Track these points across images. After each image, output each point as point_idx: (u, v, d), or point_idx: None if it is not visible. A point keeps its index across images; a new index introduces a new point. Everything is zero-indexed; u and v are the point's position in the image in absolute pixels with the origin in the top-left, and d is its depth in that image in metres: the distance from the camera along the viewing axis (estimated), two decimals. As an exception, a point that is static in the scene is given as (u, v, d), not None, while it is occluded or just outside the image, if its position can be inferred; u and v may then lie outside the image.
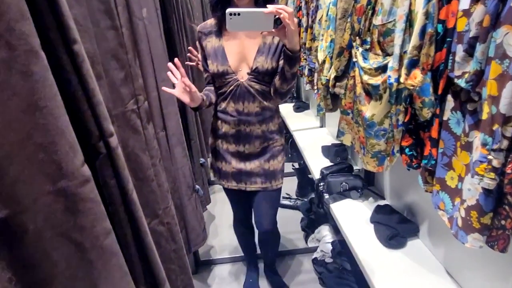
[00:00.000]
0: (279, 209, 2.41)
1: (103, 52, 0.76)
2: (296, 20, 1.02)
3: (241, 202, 1.52)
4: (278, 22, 1.00)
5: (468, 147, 0.83)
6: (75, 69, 0.51)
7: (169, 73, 1.14)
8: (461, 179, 0.86)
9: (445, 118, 0.89)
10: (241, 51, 1.24)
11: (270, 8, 0.96)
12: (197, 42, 1.32)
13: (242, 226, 1.66)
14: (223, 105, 1.29)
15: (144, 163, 0.92)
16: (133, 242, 0.66)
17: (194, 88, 1.15)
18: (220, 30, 1.25)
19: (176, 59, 1.16)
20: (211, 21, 1.28)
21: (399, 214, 1.36)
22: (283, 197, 2.46)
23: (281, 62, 1.20)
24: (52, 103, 0.42)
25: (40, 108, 0.41)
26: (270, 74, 1.22)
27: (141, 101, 0.94)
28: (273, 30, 1.01)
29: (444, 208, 0.93)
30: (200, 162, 1.86)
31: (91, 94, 0.53)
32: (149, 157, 0.95)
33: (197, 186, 1.53)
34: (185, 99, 1.16)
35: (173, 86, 1.21)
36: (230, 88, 1.25)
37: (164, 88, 1.14)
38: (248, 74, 1.23)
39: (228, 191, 1.48)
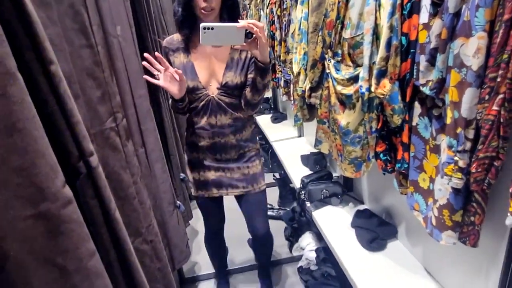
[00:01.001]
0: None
1: (79, 71, 0.75)
2: (265, 33, 1.06)
3: (218, 213, 1.54)
4: (249, 36, 1.05)
5: (436, 150, 0.88)
6: (52, 90, 0.51)
7: (144, 63, 1.14)
8: (432, 180, 0.91)
9: (414, 123, 0.94)
10: (210, 66, 1.27)
11: (242, 22, 1.01)
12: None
13: (216, 239, 1.65)
14: (196, 120, 1.32)
15: (125, 181, 0.91)
16: (117, 263, 0.65)
17: (183, 76, 1.16)
18: (187, 46, 1.27)
19: (146, 54, 1.17)
20: (177, 36, 1.29)
21: (378, 218, 1.40)
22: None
23: (249, 76, 1.24)
24: (30, 125, 0.42)
25: (18, 129, 0.41)
26: (239, 88, 1.27)
27: (119, 119, 0.93)
28: (244, 43, 1.05)
29: (419, 208, 0.98)
30: (181, 177, 1.85)
31: (69, 114, 0.53)
32: (130, 175, 0.94)
33: (178, 202, 1.51)
34: (173, 89, 1.18)
35: (150, 102, 1.21)
36: (202, 103, 1.28)
37: (146, 76, 1.15)
38: (218, 89, 1.27)
39: (204, 203, 1.48)
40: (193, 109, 1.31)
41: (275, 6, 2.58)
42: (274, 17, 2.57)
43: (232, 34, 1.03)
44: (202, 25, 1.02)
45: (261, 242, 1.61)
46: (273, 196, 2.61)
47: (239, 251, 2.07)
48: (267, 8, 2.70)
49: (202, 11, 1.15)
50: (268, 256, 1.76)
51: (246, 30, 1.03)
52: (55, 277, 0.46)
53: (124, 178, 0.90)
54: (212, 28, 1.02)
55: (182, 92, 1.21)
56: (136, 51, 1.26)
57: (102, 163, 0.83)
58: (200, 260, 2.04)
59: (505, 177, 0.72)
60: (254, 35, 1.04)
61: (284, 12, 2.38)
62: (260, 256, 1.79)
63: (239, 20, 1.03)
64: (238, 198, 1.47)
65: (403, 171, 1.02)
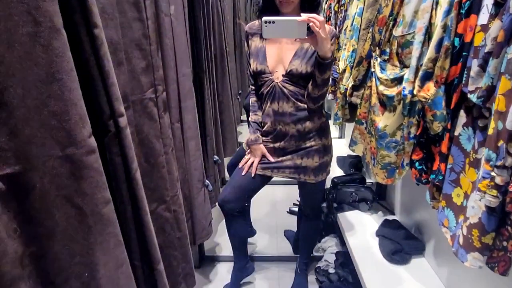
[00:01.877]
0: (289, 216, 2.42)
1: (128, 41, 0.82)
2: (328, 28, 1.05)
3: (250, 187, 1.46)
4: (311, 30, 1.04)
5: (476, 164, 0.81)
6: (93, 51, 0.56)
7: None
8: (467, 196, 0.84)
9: (456, 133, 0.88)
10: (279, 53, 1.30)
11: (303, 16, 1.01)
12: (244, 41, 1.40)
13: (231, 217, 1.57)
14: (263, 106, 1.36)
15: (157, 150, 0.97)
16: (132, 219, 0.71)
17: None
18: None
19: None
20: (258, 22, 1.35)
21: (405, 230, 1.33)
22: (294, 204, 2.46)
23: None
24: (67, 77, 0.47)
25: (57, 79, 0.46)
26: (304, 78, 1.26)
27: (160, 91, 0.99)
28: (306, 37, 1.05)
29: (448, 225, 0.91)
30: (214, 159, 1.91)
31: (105, 75, 0.58)
32: (162, 145, 1.00)
33: (207, 181, 1.57)
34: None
35: (193, 79, 1.27)
36: (267, 89, 1.32)
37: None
38: (283, 76, 1.28)
39: (241, 173, 1.45)
40: (261, 95, 1.37)
41: (333, 2, 2.52)
42: (331, 13, 2.51)
43: (293, 27, 1.04)
44: (263, 18, 1.05)
45: (307, 228, 1.64)
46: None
47: (269, 240, 2.10)
48: (326, 3, 2.65)
49: (280, 2, 1.19)
50: (310, 245, 1.73)
51: (308, 24, 1.02)
52: (73, 215, 0.51)
53: (156, 146, 0.95)
54: (273, 22, 1.04)
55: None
56: (186, 31, 1.32)
57: (137, 129, 0.89)
58: (222, 241, 2.11)
59: (549, 203, 0.64)
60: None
61: (342, 8, 2.32)
62: (303, 244, 1.73)
63: (301, 14, 1.03)
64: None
65: (437, 183, 0.96)
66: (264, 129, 1.40)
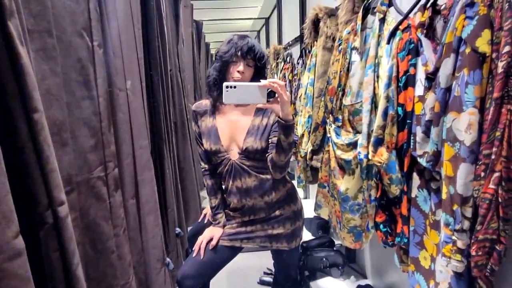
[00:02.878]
0: (260, 286, 2.25)
1: (75, 120, 0.78)
2: (288, 92, 1.09)
3: (216, 261, 1.37)
4: (271, 95, 1.07)
5: (436, 225, 0.82)
6: (31, 136, 0.51)
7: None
8: (433, 259, 0.83)
9: (413, 195, 0.90)
10: (231, 131, 1.31)
11: (264, 82, 1.05)
12: (192, 121, 1.40)
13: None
14: (224, 184, 1.34)
15: (105, 233, 0.88)
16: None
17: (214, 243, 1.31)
18: (214, 110, 1.34)
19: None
20: (205, 102, 1.38)
21: (380, 297, 1.27)
22: (265, 273, 2.31)
23: (272, 139, 1.26)
24: (-9, 171, 0.41)
25: (-23, 176, 0.40)
26: (260, 153, 1.27)
27: (111, 168, 0.93)
28: (266, 102, 1.08)
29: (420, 291, 0.88)
30: (176, 232, 1.78)
31: (45, 161, 0.53)
32: (112, 227, 0.91)
33: (168, 259, 1.43)
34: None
35: (151, 152, 1.23)
36: (226, 168, 1.31)
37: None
38: (239, 153, 1.28)
39: (206, 247, 1.35)
40: (220, 174, 1.35)
41: (287, 71, 2.73)
42: (286, 81, 2.69)
43: (254, 92, 1.06)
44: (225, 84, 1.07)
45: None
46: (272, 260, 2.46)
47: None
48: (281, 72, 2.86)
49: (233, 80, 1.23)
50: None
51: (268, 89, 1.06)
52: None
53: (104, 229, 0.86)
54: (235, 87, 1.06)
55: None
56: (144, 105, 1.32)
57: (82, 213, 0.81)
58: (187, 327, 1.87)
59: (511, 264, 0.65)
60: (276, 94, 1.07)
61: (295, 77, 2.50)
62: None
63: (260, 80, 1.07)
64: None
65: (403, 246, 0.95)
66: (231, 206, 1.35)
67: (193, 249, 1.38)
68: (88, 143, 0.82)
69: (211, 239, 1.34)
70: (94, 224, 0.83)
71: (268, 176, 1.28)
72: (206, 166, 1.39)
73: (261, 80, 1.06)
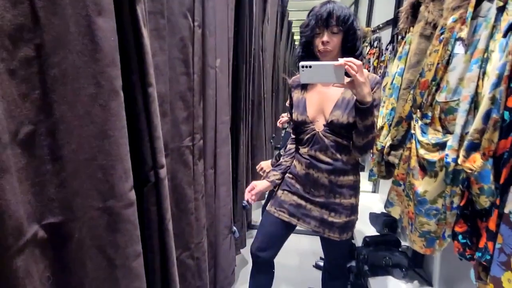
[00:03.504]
0: (315, 271, 2.28)
1: (173, 93, 0.87)
2: (366, 72, 1.03)
3: (278, 237, 1.43)
4: (349, 75, 1.02)
5: (531, 249, 0.73)
6: (145, 107, 0.60)
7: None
8: (520, 284, 0.75)
9: (506, 210, 0.81)
10: (320, 103, 1.30)
11: (340, 61, 1.01)
12: (287, 93, 1.44)
13: (261, 268, 1.49)
14: (300, 148, 1.36)
15: (188, 196, 0.99)
16: (159, 268, 0.70)
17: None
18: (305, 83, 1.34)
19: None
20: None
21: (446, 309, 1.20)
22: (321, 258, 2.33)
23: None
24: (119, 133, 0.50)
25: (109, 136, 0.49)
26: (346, 128, 1.23)
27: (197, 139, 1.03)
28: (344, 82, 1.04)
29: (497, 314, 0.81)
30: (243, 204, 1.89)
31: (153, 129, 0.62)
32: (193, 191, 1.02)
33: (234, 228, 1.54)
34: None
35: (230, 128, 1.32)
36: (307, 136, 1.31)
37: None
38: (324, 125, 1.27)
39: (269, 220, 1.42)
40: (300, 140, 1.37)
41: (372, 57, 2.57)
42: (370, 67, 2.54)
43: (330, 72, 1.02)
44: (300, 63, 1.05)
45: (331, 285, 1.53)
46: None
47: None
48: (365, 58, 2.70)
49: (319, 52, 1.21)
50: None
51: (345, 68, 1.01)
52: (104, 265, 0.52)
53: (187, 192, 0.97)
54: (310, 67, 1.04)
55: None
56: (229, 82, 1.39)
57: (171, 176, 0.92)
58: (243, 291, 2.01)
59: None
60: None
61: (381, 64, 2.35)
62: None
63: (338, 59, 1.03)
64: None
65: (484, 263, 0.87)
66: (295, 170, 1.36)
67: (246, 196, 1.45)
68: (181, 115, 0.92)
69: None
70: (179, 187, 0.94)
71: (344, 158, 1.26)
72: (294, 136, 1.42)
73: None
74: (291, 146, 1.42)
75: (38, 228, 0.44)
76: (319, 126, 1.29)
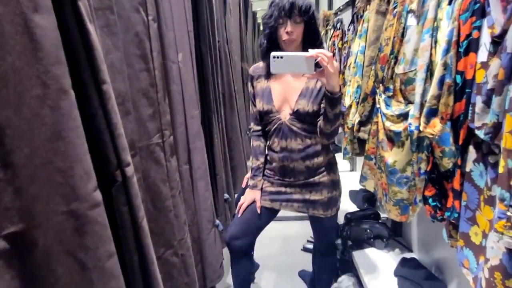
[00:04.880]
0: (304, 254, 2.33)
1: (135, 91, 0.85)
2: (336, 63, 1.07)
3: (257, 222, 1.44)
4: (318, 65, 1.06)
5: (491, 201, 0.78)
6: (101, 105, 0.59)
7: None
8: (485, 235, 0.80)
9: (467, 169, 0.85)
10: (284, 92, 1.32)
11: (311, 52, 1.04)
12: (249, 83, 1.43)
13: (237, 256, 1.51)
14: (270, 142, 1.37)
15: (163, 194, 0.97)
16: (138, 268, 0.69)
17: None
18: (269, 73, 1.36)
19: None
20: (262, 64, 1.40)
21: (425, 270, 1.26)
22: (308, 241, 2.38)
23: (323, 105, 1.25)
24: (73, 134, 0.49)
25: (63, 137, 0.48)
26: (311, 116, 1.27)
27: (167, 136, 1.01)
28: (314, 72, 1.07)
29: (468, 266, 0.86)
30: (224, 197, 1.89)
31: (113, 127, 0.60)
32: (169, 189, 1.01)
33: (217, 221, 1.54)
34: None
35: (201, 122, 1.31)
36: (274, 126, 1.33)
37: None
38: (290, 114, 1.29)
39: (249, 206, 1.44)
40: (268, 131, 1.38)
41: (337, 39, 2.61)
42: (335, 49, 2.58)
43: (301, 63, 1.05)
44: (272, 53, 1.08)
45: (321, 263, 1.59)
46: (317, 229, 2.51)
47: (283, 281, 2.01)
48: (330, 40, 2.74)
49: (284, 42, 1.22)
50: (326, 284, 1.64)
51: (316, 59, 1.04)
52: (75, 270, 0.51)
53: (163, 190, 0.96)
54: (282, 57, 1.06)
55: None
56: (194, 75, 1.38)
57: (144, 175, 0.91)
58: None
59: None
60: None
61: (345, 45, 2.39)
62: (318, 283, 1.66)
63: (308, 50, 1.06)
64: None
65: (453, 221, 0.92)
66: (272, 165, 1.39)
67: (236, 210, 1.47)
68: (146, 112, 0.90)
69: (252, 202, 1.41)
70: (154, 186, 0.93)
71: (314, 141, 1.29)
72: (257, 127, 1.42)
73: (308, 50, 1.05)
74: (258, 143, 1.43)
75: (-2, 239, 0.43)
76: (285, 115, 1.31)
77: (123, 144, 0.63)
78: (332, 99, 1.13)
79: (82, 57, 0.56)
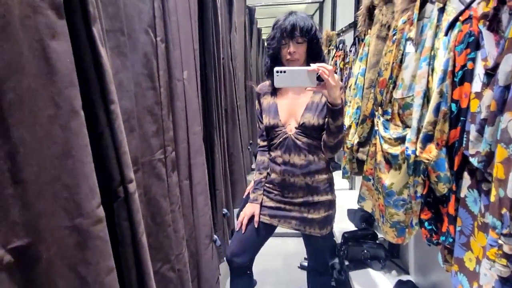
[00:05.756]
0: (301, 271, 2.32)
1: (140, 108, 0.88)
2: (337, 76, 1.11)
3: (256, 240, 1.44)
4: (320, 78, 1.11)
5: (485, 228, 0.79)
6: (108, 124, 0.61)
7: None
8: (478, 261, 0.81)
9: (462, 195, 0.87)
10: (290, 107, 1.36)
11: (313, 66, 1.08)
12: (255, 100, 1.47)
13: (238, 273, 1.52)
14: (273, 154, 1.40)
15: (163, 209, 0.99)
16: (136, 283, 0.71)
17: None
18: (275, 90, 1.41)
19: None
20: (268, 83, 1.45)
21: (421, 294, 1.25)
22: (305, 258, 2.36)
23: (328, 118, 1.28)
24: (81, 152, 0.51)
25: (71, 155, 0.50)
26: (317, 130, 1.30)
27: (169, 151, 1.04)
28: (316, 86, 1.12)
29: (462, 292, 0.86)
30: (223, 212, 1.90)
31: (118, 145, 0.63)
32: (169, 203, 1.02)
33: (215, 237, 1.55)
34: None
35: (203, 138, 1.34)
36: (280, 140, 1.35)
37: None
38: (296, 128, 1.32)
39: (246, 224, 1.45)
40: (272, 144, 1.41)
41: (339, 59, 2.67)
42: (337, 69, 2.64)
43: (303, 76, 1.10)
44: (275, 68, 1.13)
45: (316, 281, 1.58)
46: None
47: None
48: (332, 60, 2.80)
49: (287, 61, 1.28)
50: None
51: (317, 73, 1.09)
52: (76, 284, 0.52)
53: (163, 205, 0.98)
54: (285, 72, 1.12)
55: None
56: (198, 92, 1.41)
57: (145, 190, 0.92)
58: (230, 300, 2.01)
59: None
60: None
61: (346, 65, 2.44)
62: None
63: (310, 64, 1.10)
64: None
65: (448, 246, 0.93)
66: (271, 177, 1.41)
67: (236, 225, 1.47)
68: (151, 128, 0.93)
69: (252, 216, 1.42)
70: (154, 200, 0.94)
71: (316, 159, 1.31)
72: (263, 143, 1.45)
73: (310, 64, 1.09)
74: (263, 159, 1.45)
75: (3, 253, 0.44)
76: (291, 129, 1.34)
77: (127, 162, 0.65)
78: (334, 111, 1.16)
79: (93, 79, 0.59)
